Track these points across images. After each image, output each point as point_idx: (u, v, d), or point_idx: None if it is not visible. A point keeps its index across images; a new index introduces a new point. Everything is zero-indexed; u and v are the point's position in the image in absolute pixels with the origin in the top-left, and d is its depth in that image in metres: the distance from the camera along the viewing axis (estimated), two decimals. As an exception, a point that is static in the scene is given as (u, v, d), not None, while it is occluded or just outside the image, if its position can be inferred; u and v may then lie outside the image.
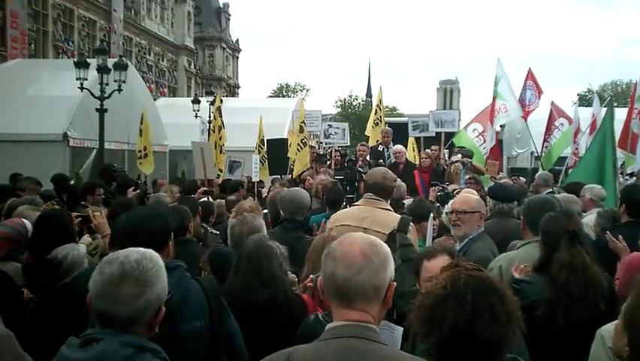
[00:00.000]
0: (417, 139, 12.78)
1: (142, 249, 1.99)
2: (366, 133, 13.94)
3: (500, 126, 18.00)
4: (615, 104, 11.29)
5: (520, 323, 1.85)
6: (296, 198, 4.79)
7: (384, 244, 1.89)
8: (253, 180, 10.44)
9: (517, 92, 11.05)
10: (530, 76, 11.28)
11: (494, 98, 10.74)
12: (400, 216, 3.95)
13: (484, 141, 11.06)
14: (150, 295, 1.88)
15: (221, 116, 14.04)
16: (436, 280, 1.91)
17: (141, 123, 14.04)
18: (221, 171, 12.47)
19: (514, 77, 11.32)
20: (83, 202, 6.66)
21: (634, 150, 9.25)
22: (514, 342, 1.90)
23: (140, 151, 13.80)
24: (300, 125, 12.13)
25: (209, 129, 16.85)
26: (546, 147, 11.12)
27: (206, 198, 7.56)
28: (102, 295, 1.86)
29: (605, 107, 9.49)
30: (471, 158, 9.95)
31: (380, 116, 13.51)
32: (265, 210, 6.26)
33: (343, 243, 1.83)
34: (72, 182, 11.06)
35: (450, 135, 12.40)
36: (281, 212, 4.95)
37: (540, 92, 10.98)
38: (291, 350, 1.81)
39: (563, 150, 11.54)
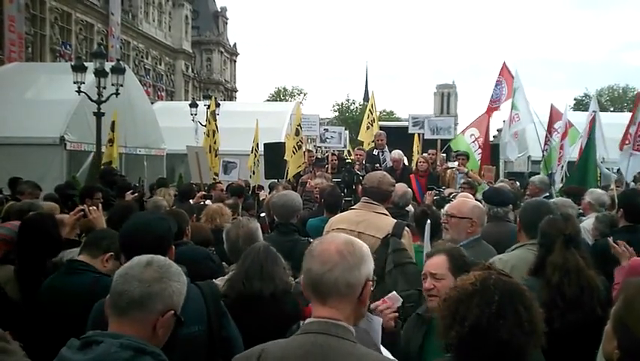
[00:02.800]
0: (419, 141, 12.81)
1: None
2: (359, 138, 14.09)
3: (497, 130, 18.10)
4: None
5: (542, 336, 1.89)
6: (287, 202, 4.78)
7: (364, 245, 1.95)
8: (252, 184, 10.44)
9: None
10: (504, 72, 11.35)
11: (511, 109, 10.88)
12: (395, 220, 3.94)
13: (479, 147, 11.12)
14: (167, 285, 1.95)
15: (215, 120, 14.03)
16: (466, 277, 1.97)
17: (112, 130, 13.71)
18: (216, 174, 12.47)
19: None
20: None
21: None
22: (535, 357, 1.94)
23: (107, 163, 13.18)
24: (297, 128, 12.17)
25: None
26: (546, 150, 11.14)
27: (204, 202, 7.57)
28: (125, 274, 1.95)
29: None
30: (467, 159, 10.00)
31: (372, 120, 13.62)
32: (262, 214, 6.28)
33: (323, 242, 1.93)
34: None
35: (446, 141, 12.44)
36: (275, 217, 4.96)
37: (510, 94, 11.05)
38: (267, 344, 1.90)
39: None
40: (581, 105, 58.52)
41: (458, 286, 1.94)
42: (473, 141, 11.28)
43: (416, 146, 12.92)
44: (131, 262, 2.01)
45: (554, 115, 11.67)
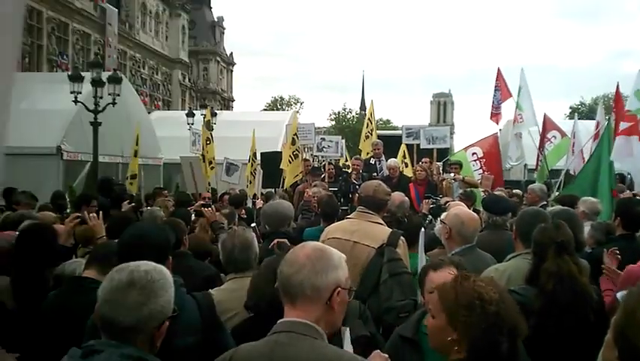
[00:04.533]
0: (409, 150, 12.89)
1: (152, 262, 2.05)
2: (359, 147, 14.15)
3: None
4: (607, 117, 11.42)
5: None
6: (277, 210, 4.75)
7: (337, 254, 2.03)
8: (249, 194, 10.47)
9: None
10: (499, 77, 11.40)
11: (515, 108, 10.90)
12: (390, 230, 3.92)
13: (480, 167, 11.12)
14: (155, 305, 1.91)
15: (210, 130, 14.08)
16: (481, 287, 2.03)
17: (136, 144, 14.02)
18: (209, 184, 12.49)
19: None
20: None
21: None
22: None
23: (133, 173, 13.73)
24: (293, 138, 12.17)
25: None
26: (541, 160, 11.17)
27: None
28: (108, 300, 1.91)
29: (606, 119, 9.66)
30: (459, 168, 10.03)
31: (371, 130, 13.66)
32: (253, 224, 6.27)
33: (296, 248, 2.05)
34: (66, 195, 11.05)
35: (442, 151, 12.47)
36: (266, 226, 4.92)
37: (506, 96, 11.08)
38: (237, 347, 2.03)
39: (555, 162, 11.60)
40: (576, 114, 58.75)
41: (489, 300, 2.00)
42: (475, 160, 11.30)
43: (400, 156, 12.93)
44: (110, 282, 1.95)
45: (548, 124, 11.71)
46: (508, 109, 11.42)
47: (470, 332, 1.98)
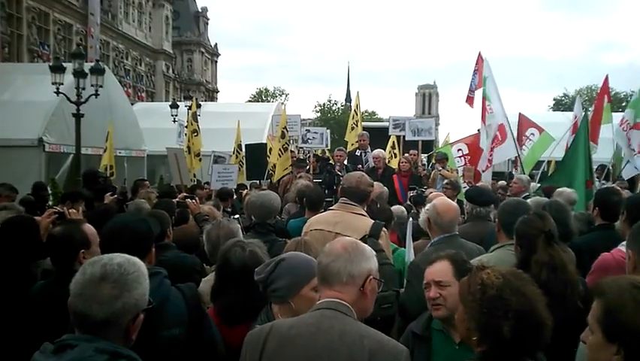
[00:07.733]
0: (397, 141, 12.91)
1: (126, 255, 2.01)
2: (345, 138, 14.17)
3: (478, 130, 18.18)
4: (590, 109, 11.51)
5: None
6: (265, 202, 4.74)
7: (369, 248, 2.28)
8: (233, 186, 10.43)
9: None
10: (479, 61, 11.34)
11: (484, 99, 10.83)
12: (372, 221, 3.91)
13: (465, 163, 11.14)
14: (128, 298, 1.88)
15: (196, 121, 14.00)
16: (488, 274, 2.14)
17: (106, 140, 13.92)
18: (195, 176, 12.41)
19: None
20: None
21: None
22: None
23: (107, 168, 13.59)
24: (282, 131, 12.14)
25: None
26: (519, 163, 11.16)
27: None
28: (81, 294, 1.87)
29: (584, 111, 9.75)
30: (446, 160, 10.07)
31: (357, 121, 13.66)
32: (236, 216, 6.26)
33: (333, 242, 2.30)
34: (48, 187, 10.94)
35: (427, 143, 12.48)
36: (252, 217, 4.91)
37: (480, 84, 11.04)
38: (275, 321, 2.27)
39: (538, 157, 11.68)
40: (560, 105, 59.26)
41: (487, 285, 2.06)
42: (460, 156, 11.33)
43: (389, 147, 12.97)
44: (83, 276, 1.91)
45: (524, 123, 11.75)
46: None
47: (475, 316, 2.04)
